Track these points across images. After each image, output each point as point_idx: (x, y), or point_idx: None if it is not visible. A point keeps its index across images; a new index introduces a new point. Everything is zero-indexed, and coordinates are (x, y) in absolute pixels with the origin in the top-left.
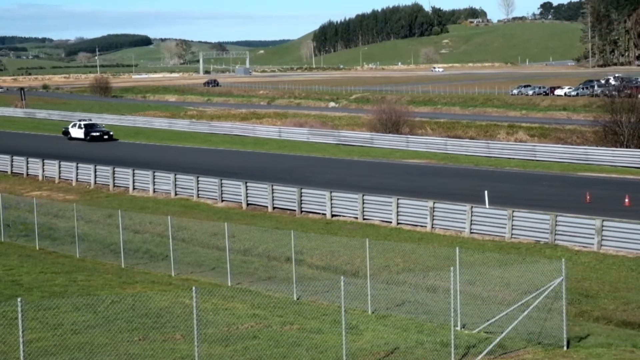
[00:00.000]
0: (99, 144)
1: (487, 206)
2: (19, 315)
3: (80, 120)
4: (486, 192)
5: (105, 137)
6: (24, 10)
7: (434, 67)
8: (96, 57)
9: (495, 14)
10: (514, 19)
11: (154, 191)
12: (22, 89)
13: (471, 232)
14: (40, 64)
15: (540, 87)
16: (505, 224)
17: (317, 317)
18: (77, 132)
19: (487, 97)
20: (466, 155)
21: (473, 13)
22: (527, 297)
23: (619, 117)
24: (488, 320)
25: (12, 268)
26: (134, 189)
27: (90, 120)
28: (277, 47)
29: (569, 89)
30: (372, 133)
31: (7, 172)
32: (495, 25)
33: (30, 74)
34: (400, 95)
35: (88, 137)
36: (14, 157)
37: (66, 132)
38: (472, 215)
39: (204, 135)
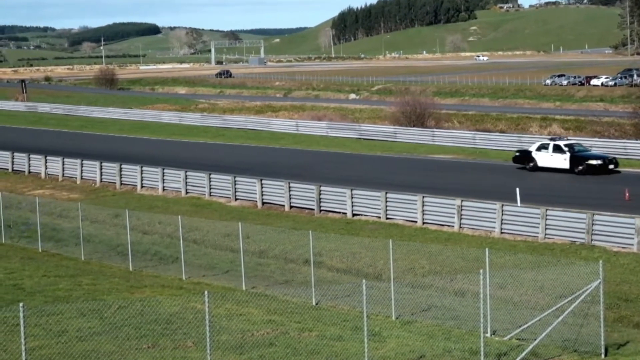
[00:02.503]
0: None
1: (518, 204)
2: (21, 322)
3: (555, 139)
4: (517, 189)
5: (611, 166)
6: None
7: (478, 56)
8: (101, 47)
9: None
10: (547, 3)
11: (164, 189)
12: (23, 81)
13: (502, 232)
14: (42, 54)
15: (575, 77)
16: (538, 224)
17: (337, 323)
18: (552, 159)
19: (519, 88)
20: (496, 149)
21: None
22: (562, 301)
23: None
24: (520, 327)
25: (14, 271)
26: (142, 187)
27: (568, 138)
28: (294, 35)
29: (606, 78)
30: (395, 127)
31: (7, 169)
32: (527, 11)
33: (31, 65)
34: (425, 86)
35: (580, 169)
36: (15, 154)
37: (525, 157)
38: (502, 214)
39: (216, 129)
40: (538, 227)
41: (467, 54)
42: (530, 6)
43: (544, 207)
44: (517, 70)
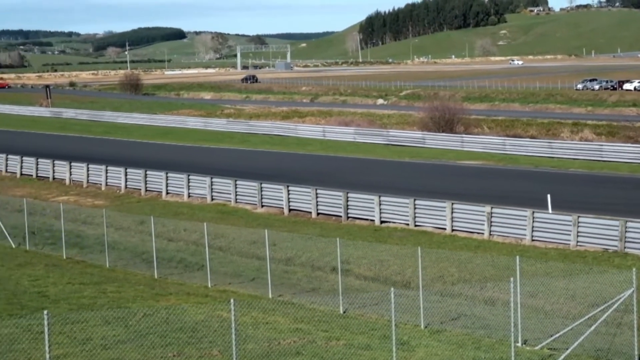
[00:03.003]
0: None
1: (549, 211)
2: (45, 329)
3: None
4: (548, 195)
5: None
6: (49, 2)
7: (512, 60)
8: (126, 52)
9: (558, 2)
10: (578, 6)
11: (189, 196)
12: (47, 86)
13: (532, 240)
14: (66, 59)
15: (607, 81)
16: (570, 231)
17: (365, 332)
18: None
19: (549, 93)
20: (526, 155)
21: (533, 1)
22: (594, 310)
23: None
24: (552, 336)
25: (38, 278)
26: (167, 193)
27: None
28: (321, 39)
29: (638, 82)
30: (423, 132)
31: (32, 175)
32: (558, 14)
33: (56, 71)
34: (454, 91)
35: None
36: (39, 160)
37: None
38: (533, 221)
39: (242, 135)
40: (570, 235)
41: (497, 58)
42: (561, 9)
43: (576, 214)
44: (548, 74)
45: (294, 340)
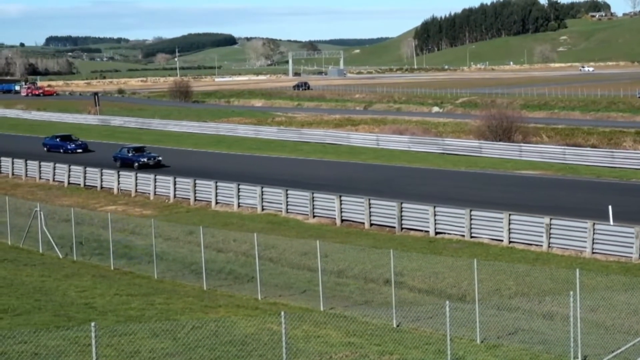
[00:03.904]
0: None
1: (611, 223)
2: (93, 342)
3: None
4: (610, 207)
5: None
6: (98, 8)
7: (583, 66)
8: (176, 59)
9: (621, 7)
10: None
11: (239, 206)
12: (95, 93)
13: (593, 252)
14: (115, 66)
15: None
16: (632, 243)
17: (419, 346)
18: None
19: (612, 100)
20: (587, 165)
21: (595, 6)
22: None
23: None
24: (613, 352)
25: (85, 289)
26: (216, 203)
27: None
28: (375, 45)
29: None
30: (480, 141)
31: (80, 184)
32: (621, 19)
33: (104, 78)
34: (512, 99)
35: None
36: (87, 169)
37: None
38: (594, 233)
39: (294, 143)
40: (632, 247)
41: (558, 64)
42: (624, 14)
43: (638, 226)
44: (610, 81)
45: (345, 355)
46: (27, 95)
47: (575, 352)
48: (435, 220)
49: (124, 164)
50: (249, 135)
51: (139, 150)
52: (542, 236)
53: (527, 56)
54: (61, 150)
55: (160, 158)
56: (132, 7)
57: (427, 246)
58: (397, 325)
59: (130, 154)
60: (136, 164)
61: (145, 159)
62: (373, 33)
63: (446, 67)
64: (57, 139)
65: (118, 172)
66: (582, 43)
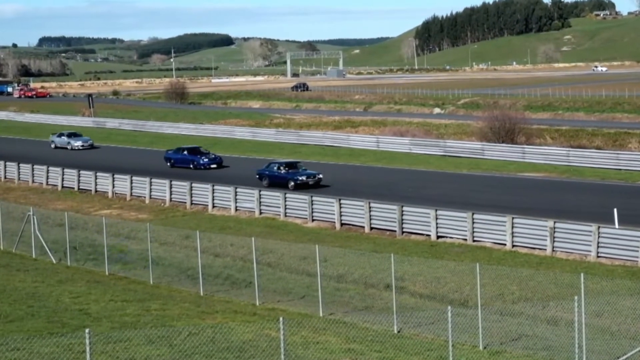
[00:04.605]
0: None
1: (616, 226)
2: (87, 349)
3: None
4: (615, 210)
5: None
6: (92, 8)
7: (596, 66)
8: (171, 60)
9: (626, 6)
10: None
11: (236, 209)
12: (90, 95)
13: (598, 256)
14: (109, 67)
15: None
16: (638, 247)
17: (420, 352)
18: None
19: (617, 101)
20: (592, 167)
21: (599, 5)
22: None
23: None
24: (618, 358)
25: (80, 295)
26: (213, 206)
27: None
28: (375, 46)
29: None
30: (482, 143)
31: (73, 188)
32: (626, 18)
33: (99, 79)
34: (515, 100)
35: None
36: (81, 172)
37: None
38: (599, 237)
39: (292, 145)
40: (638, 251)
41: (561, 64)
42: (629, 13)
43: None
44: (615, 82)
45: None
46: (19, 97)
47: (580, 358)
48: (436, 223)
49: (274, 182)
50: (246, 137)
51: (292, 166)
52: (546, 240)
53: (531, 56)
54: (191, 166)
55: (321, 176)
56: (127, 7)
57: (428, 250)
58: (398, 331)
59: (282, 171)
60: (292, 183)
61: (303, 177)
62: (373, 33)
63: (448, 67)
64: (184, 152)
65: (112, 175)
66: (586, 42)
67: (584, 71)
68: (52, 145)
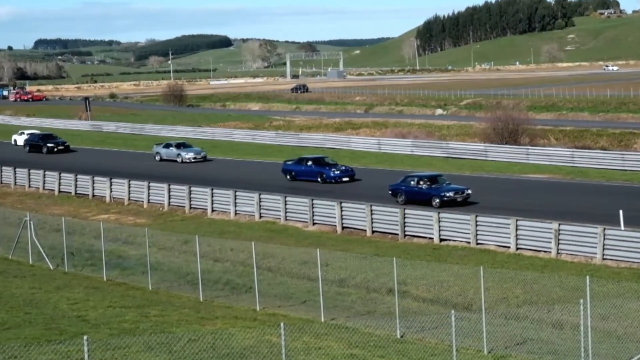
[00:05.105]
0: None
1: (622, 228)
2: (85, 356)
3: None
4: (621, 211)
5: None
6: (89, 9)
7: (607, 65)
8: (169, 61)
9: (630, 4)
10: None
11: (236, 213)
12: (86, 98)
13: (604, 259)
14: (106, 69)
15: None
16: None
17: (424, 357)
18: None
19: (622, 101)
20: (597, 168)
21: (603, 3)
22: None
23: None
24: None
25: (77, 302)
26: (212, 211)
27: None
28: (375, 46)
29: None
30: (485, 144)
31: (70, 192)
32: (630, 17)
33: (95, 82)
34: (518, 100)
35: None
36: (79, 176)
37: None
38: (604, 239)
39: (292, 148)
40: None
41: (565, 64)
42: (634, 11)
43: None
44: (620, 81)
45: None
46: (15, 100)
47: None
48: (439, 226)
49: (412, 199)
50: (245, 140)
51: (434, 180)
52: (550, 242)
53: (534, 56)
54: (319, 179)
55: (469, 191)
56: (124, 9)
57: (431, 253)
58: (401, 336)
59: (423, 186)
60: (437, 200)
61: (451, 193)
62: (373, 33)
63: (450, 67)
64: (309, 163)
65: (110, 179)
66: (590, 42)
67: (590, 70)
68: (157, 158)
